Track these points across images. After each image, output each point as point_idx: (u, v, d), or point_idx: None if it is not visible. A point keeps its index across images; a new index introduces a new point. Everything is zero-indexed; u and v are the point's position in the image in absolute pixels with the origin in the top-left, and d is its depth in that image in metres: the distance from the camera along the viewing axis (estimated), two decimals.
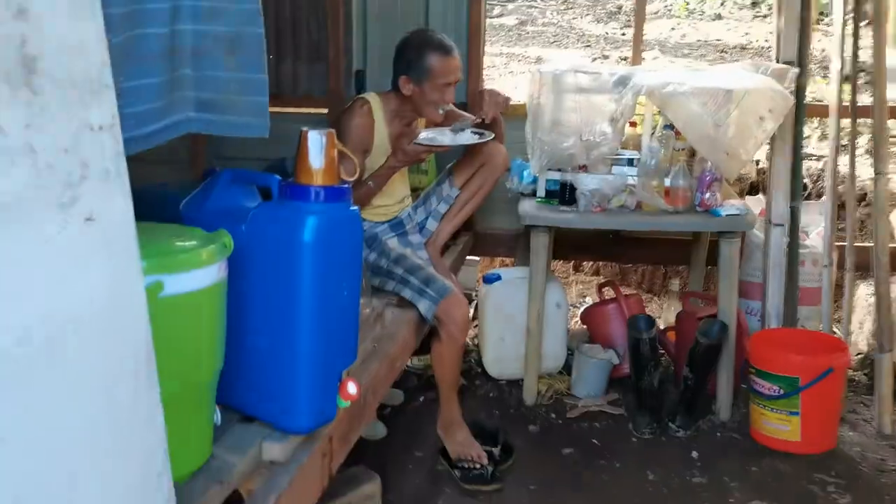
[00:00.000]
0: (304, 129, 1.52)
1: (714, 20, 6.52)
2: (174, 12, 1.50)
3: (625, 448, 2.75)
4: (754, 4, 6.58)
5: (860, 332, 3.44)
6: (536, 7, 7.28)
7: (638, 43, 3.55)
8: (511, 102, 2.79)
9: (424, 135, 2.60)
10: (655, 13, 6.75)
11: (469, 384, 3.16)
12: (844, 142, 3.24)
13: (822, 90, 4.70)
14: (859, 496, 2.46)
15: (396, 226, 2.78)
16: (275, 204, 1.54)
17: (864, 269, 3.26)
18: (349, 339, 1.60)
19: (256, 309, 1.49)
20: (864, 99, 3.11)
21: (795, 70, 2.88)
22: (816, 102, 4.01)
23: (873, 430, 2.86)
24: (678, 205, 2.87)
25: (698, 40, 6.12)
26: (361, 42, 3.61)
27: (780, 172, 2.99)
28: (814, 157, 4.21)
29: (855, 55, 3.15)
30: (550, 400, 3.06)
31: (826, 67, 4.93)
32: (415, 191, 2.98)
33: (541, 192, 3.00)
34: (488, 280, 3.29)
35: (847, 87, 3.15)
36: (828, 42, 5.05)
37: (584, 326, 3.44)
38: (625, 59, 5.21)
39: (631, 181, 2.92)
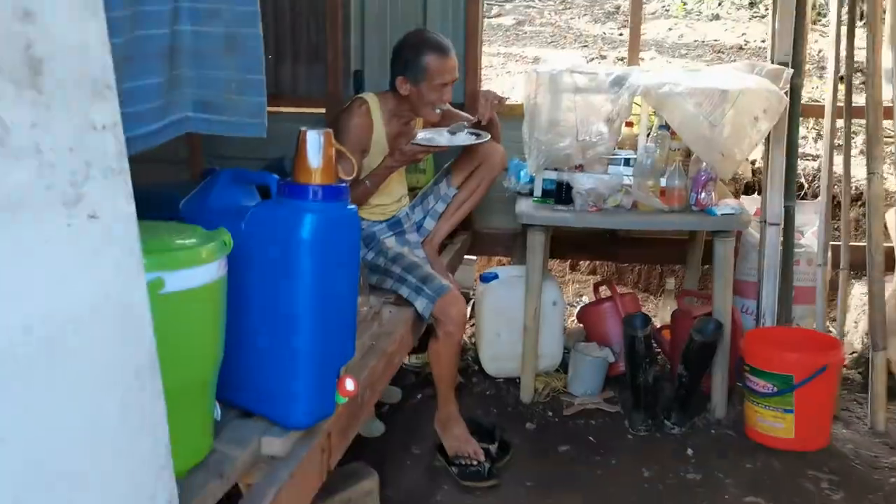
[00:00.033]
0: (303, 128, 1.54)
1: (712, 20, 6.54)
2: (174, 14, 1.52)
3: (621, 445, 2.78)
4: (752, 5, 6.60)
5: (855, 330, 3.47)
6: (534, 7, 7.30)
7: (634, 43, 3.57)
8: (508, 102, 2.81)
9: (422, 135, 2.63)
10: (653, 13, 6.77)
11: (466, 382, 3.18)
12: (840, 142, 3.26)
13: (820, 90, 4.72)
14: (852, 493, 2.48)
15: (394, 225, 2.81)
16: (273, 203, 1.56)
17: (858, 268, 3.28)
18: (347, 335, 1.62)
19: (256, 306, 1.51)
20: (860, 99, 3.13)
21: (790, 70, 2.91)
22: (813, 102, 4.04)
23: (867, 427, 2.88)
24: (674, 204, 2.90)
25: (695, 40, 6.14)
26: (359, 43, 3.63)
27: (776, 172, 3.02)
28: (810, 157, 4.23)
29: (850, 55, 3.18)
30: (547, 398, 3.08)
31: (823, 68, 4.96)
32: (412, 190, 3.00)
33: (537, 192, 3.02)
34: (485, 279, 3.32)
35: (842, 88, 3.18)
36: (825, 42, 5.08)
37: (581, 325, 3.46)
38: (622, 59, 5.23)
39: (627, 181, 2.95)
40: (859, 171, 3.54)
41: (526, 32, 6.71)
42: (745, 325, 3.14)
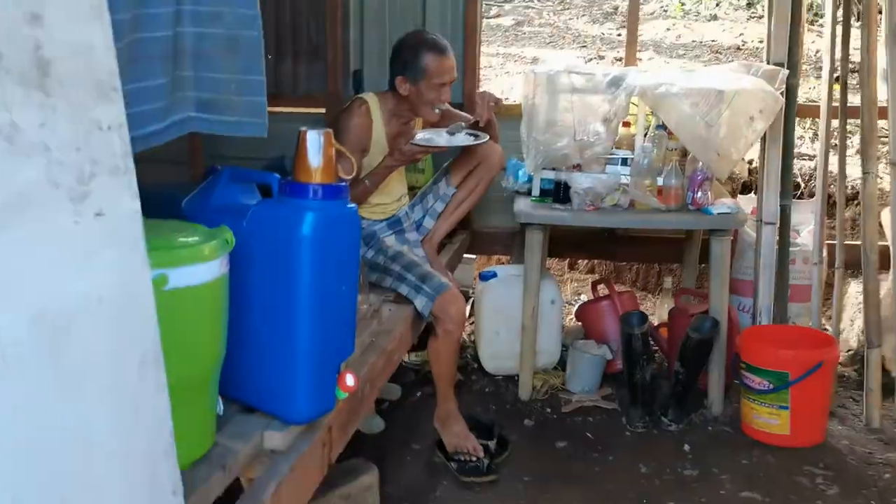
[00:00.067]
0: (303, 128, 1.57)
1: (709, 21, 6.57)
2: (176, 16, 1.55)
3: (618, 441, 2.80)
4: (749, 5, 6.62)
5: (851, 328, 3.49)
6: (533, 8, 7.33)
7: (632, 44, 3.60)
8: (506, 102, 2.84)
9: (421, 135, 2.66)
10: (651, 14, 6.80)
11: (465, 379, 3.20)
12: (836, 142, 3.29)
13: (818, 90, 4.74)
14: (847, 488, 2.51)
15: (394, 224, 2.83)
16: (274, 201, 1.59)
17: (853, 266, 3.31)
18: (347, 332, 1.65)
19: (257, 302, 1.54)
20: (856, 99, 3.15)
21: (785, 71, 2.93)
22: (811, 103, 4.06)
23: (862, 424, 2.91)
24: (670, 203, 2.92)
25: (693, 41, 6.16)
26: (359, 42, 3.66)
27: (772, 172, 3.04)
28: (806, 157, 4.26)
29: (846, 56, 3.20)
30: (545, 395, 3.10)
31: (821, 68, 4.97)
32: (412, 189, 3.03)
33: (536, 191, 3.05)
34: (484, 277, 3.34)
35: (838, 88, 3.20)
36: (822, 43, 5.10)
37: (579, 323, 3.49)
38: (620, 59, 5.25)
39: (624, 180, 2.97)
40: (855, 170, 3.56)
41: (525, 33, 6.73)
42: (742, 322, 3.16)
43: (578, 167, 3.00)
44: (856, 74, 3.48)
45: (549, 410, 3.01)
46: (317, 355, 1.55)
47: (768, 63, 3.03)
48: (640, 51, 5.07)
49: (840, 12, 3.18)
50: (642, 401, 2.90)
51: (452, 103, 2.72)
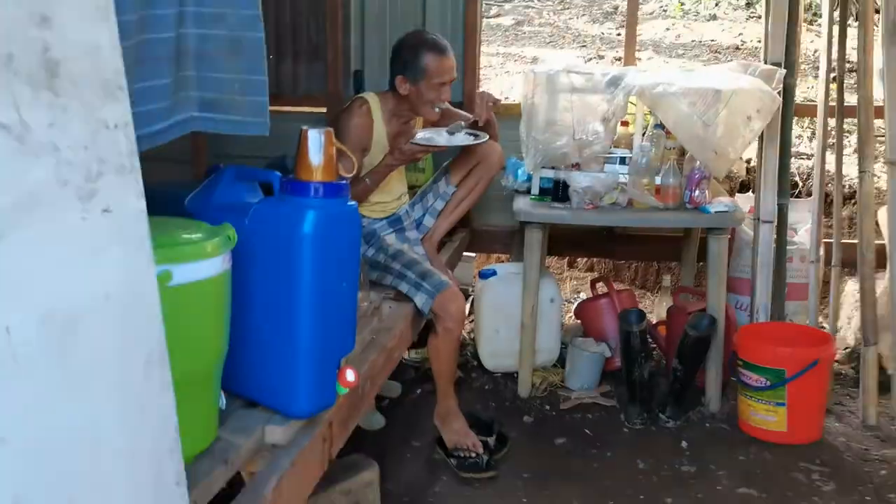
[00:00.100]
0: (304, 127, 1.59)
1: (709, 21, 6.58)
2: (179, 17, 1.57)
3: (616, 438, 2.82)
4: (748, 5, 6.64)
5: (848, 326, 3.51)
6: (533, 7, 7.34)
7: (631, 44, 3.62)
8: (506, 102, 2.86)
9: (421, 135, 2.68)
10: (651, 13, 6.81)
11: (465, 377, 3.23)
12: (833, 141, 3.31)
13: (816, 90, 4.76)
14: (843, 484, 2.53)
15: (394, 222, 2.85)
16: (276, 199, 1.61)
17: (850, 265, 3.33)
18: (348, 328, 1.67)
19: (259, 298, 1.56)
20: (853, 99, 3.17)
21: (783, 71, 2.95)
22: (808, 102, 4.08)
23: (858, 421, 2.93)
24: (668, 202, 2.94)
25: (693, 41, 6.18)
26: (359, 43, 3.68)
27: (769, 171, 3.06)
28: (804, 156, 4.28)
29: (842, 55, 3.22)
30: (544, 392, 3.13)
31: (818, 68, 4.99)
32: (412, 188, 3.05)
33: (535, 190, 3.07)
34: (484, 275, 3.36)
35: (835, 87, 3.22)
36: (820, 42, 5.12)
37: (578, 321, 3.51)
38: (620, 59, 5.27)
39: (622, 179, 2.99)
40: (851, 169, 3.58)
41: (525, 32, 6.75)
42: (739, 320, 3.19)
43: (577, 166, 3.03)
44: (853, 74, 3.50)
45: (548, 407, 3.03)
46: (317, 351, 1.57)
47: (766, 63, 3.05)
48: (639, 50, 5.10)
49: (837, 12, 3.20)
50: (640, 398, 2.92)
51: (452, 103, 2.74)
